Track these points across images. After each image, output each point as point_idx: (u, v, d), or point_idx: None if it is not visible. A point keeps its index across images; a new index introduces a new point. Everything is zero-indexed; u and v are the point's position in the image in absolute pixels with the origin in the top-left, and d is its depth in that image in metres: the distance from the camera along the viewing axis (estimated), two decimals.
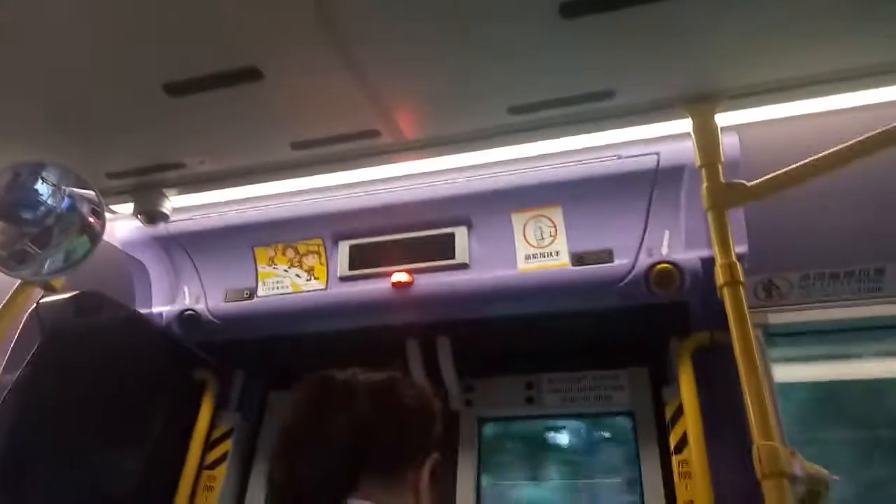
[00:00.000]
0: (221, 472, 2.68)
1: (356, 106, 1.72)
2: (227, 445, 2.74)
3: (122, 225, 2.58)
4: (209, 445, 2.71)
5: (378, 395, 1.19)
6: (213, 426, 2.73)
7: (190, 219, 2.51)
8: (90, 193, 1.89)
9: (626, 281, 2.10)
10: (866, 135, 1.57)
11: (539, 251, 2.22)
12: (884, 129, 1.56)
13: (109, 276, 2.55)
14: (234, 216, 2.47)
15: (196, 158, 2.00)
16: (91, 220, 1.90)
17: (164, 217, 2.21)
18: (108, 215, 2.01)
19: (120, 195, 2.17)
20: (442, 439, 1.27)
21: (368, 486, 1.10)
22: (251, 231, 2.49)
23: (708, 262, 1.97)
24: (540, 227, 2.23)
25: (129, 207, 2.22)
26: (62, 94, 1.70)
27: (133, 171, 2.06)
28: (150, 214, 2.18)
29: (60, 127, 1.85)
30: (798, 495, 1.44)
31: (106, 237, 1.98)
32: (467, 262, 2.27)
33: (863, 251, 2.06)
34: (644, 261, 2.09)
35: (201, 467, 2.66)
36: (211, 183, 2.15)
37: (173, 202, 2.22)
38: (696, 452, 2.04)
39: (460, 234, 2.30)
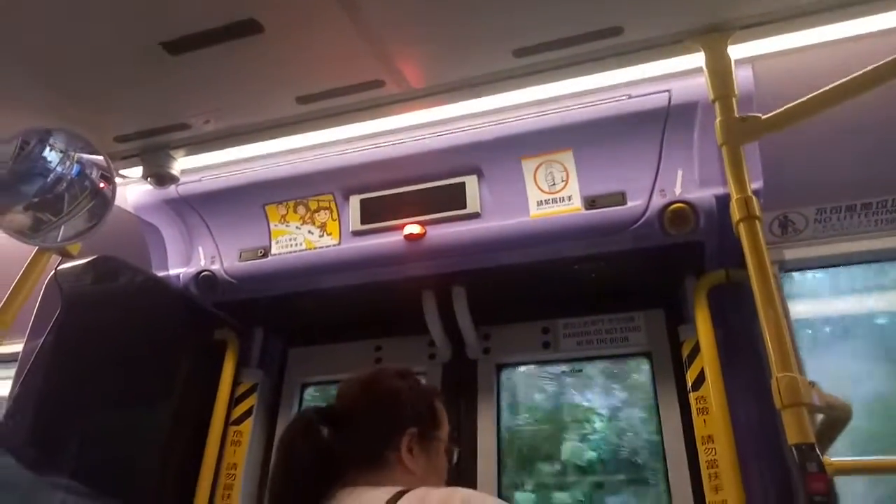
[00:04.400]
0: (247, 426, 2.75)
1: (359, 56, 1.69)
2: (251, 401, 2.79)
3: (133, 189, 2.58)
4: (234, 402, 2.77)
5: (337, 417, 1.34)
6: (236, 383, 2.78)
7: (199, 180, 2.51)
8: (99, 158, 1.89)
9: (639, 223, 2.08)
10: (881, 62, 1.52)
11: (551, 196, 2.20)
12: None
13: (124, 240, 2.57)
14: (243, 175, 2.47)
15: (201, 118, 1.98)
16: (101, 185, 1.91)
17: (174, 179, 2.21)
18: (118, 179, 2.01)
19: (128, 159, 2.18)
20: (423, 412, 1.37)
21: (352, 475, 1.26)
22: (261, 189, 2.48)
23: (722, 200, 1.94)
24: (551, 172, 2.20)
25: (138, 171, 2.22)
26: (63, 58, 1.69)
27: (140, 133, 2.05)
28: (160, 177, 2.18)
29: (64, 91, 1.83)
30: (818, 425, 1.45)
31: (118, 202, 1.99)
32: (479, 210, 2.26)
33: (879, 182, 2.03)
34: (657, 201, 2.06)
35: (227, 423, 2.73)
36: (218, 142, 2.14)
37: (182, 164, 2.22)
38: (713, 388, 2.05)
39: (471, 183, 2.28)
